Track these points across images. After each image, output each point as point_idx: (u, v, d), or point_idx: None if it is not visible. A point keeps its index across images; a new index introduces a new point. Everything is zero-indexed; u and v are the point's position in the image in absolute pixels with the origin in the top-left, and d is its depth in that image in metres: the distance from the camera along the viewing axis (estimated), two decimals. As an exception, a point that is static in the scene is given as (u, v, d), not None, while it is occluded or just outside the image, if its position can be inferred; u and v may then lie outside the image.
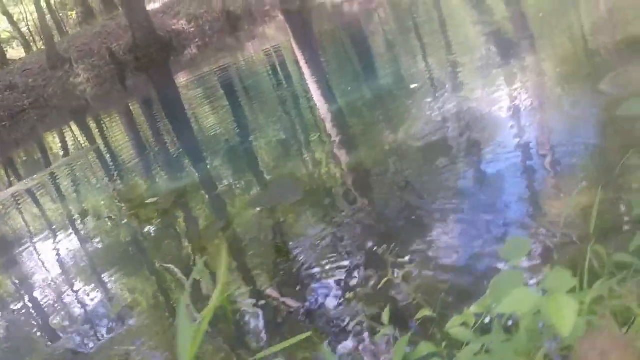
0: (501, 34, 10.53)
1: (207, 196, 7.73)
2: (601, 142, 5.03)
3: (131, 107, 18.52)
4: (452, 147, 6.08)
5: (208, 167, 8.88)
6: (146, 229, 7.24)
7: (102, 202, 9.06)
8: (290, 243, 5.27)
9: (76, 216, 8.91)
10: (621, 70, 6.28)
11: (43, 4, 31.79)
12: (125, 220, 7.75)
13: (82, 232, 8.03)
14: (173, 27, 26.46)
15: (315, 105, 10.17)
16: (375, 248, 4.59)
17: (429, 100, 7.89)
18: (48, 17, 33.08)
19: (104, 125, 17.05)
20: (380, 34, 15.60)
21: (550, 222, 4.03)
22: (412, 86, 8.68)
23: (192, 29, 26.21)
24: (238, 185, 7.73)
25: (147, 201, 8.05)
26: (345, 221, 5.22)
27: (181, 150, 10.80)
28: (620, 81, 6.04)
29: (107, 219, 8.22)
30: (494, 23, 11.49)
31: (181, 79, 19.69)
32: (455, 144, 6.15)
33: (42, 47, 30.85)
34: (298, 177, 6.96)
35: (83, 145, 14.76)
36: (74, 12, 38.11)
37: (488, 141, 5.83)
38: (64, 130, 18.71)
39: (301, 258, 4.88)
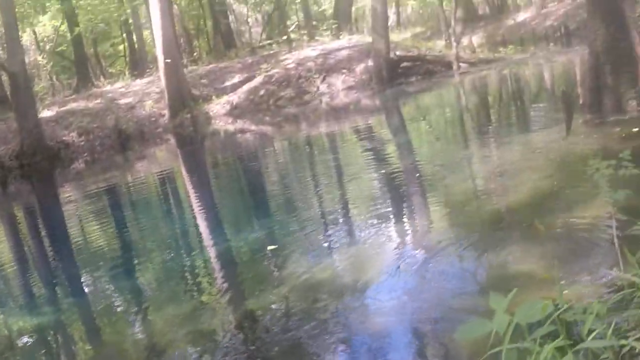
0: (389, 186, 11.01)
1: (34, 353, 7.47)
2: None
3: (7, 218, 18.03)
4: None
5: (61, 303, 8.68)
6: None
7: None
8: None
9: None
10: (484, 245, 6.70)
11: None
12: None
13: None
14: (63, 138, 26.19)
15: (201, 243, 10.23)
16: None
17: (303, 253, 8.14)
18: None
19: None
20: (273, 169, 15.92)
21: None
22: (270, 249, 8.62)
23: (82, 143, 26.01)
24: (78, 339, 7.58)
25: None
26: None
27: (46, 275, 10.47)
28: (484, 261, 6.40)
29: None
30: (384, 174, 11.95)
31: (66, 192, 19.39)
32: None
33: None
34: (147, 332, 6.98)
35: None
36: (-29, 109, 37.26)
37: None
38: None
39: None
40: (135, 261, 10.13)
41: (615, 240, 4.70)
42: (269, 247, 8.52)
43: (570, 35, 33.73)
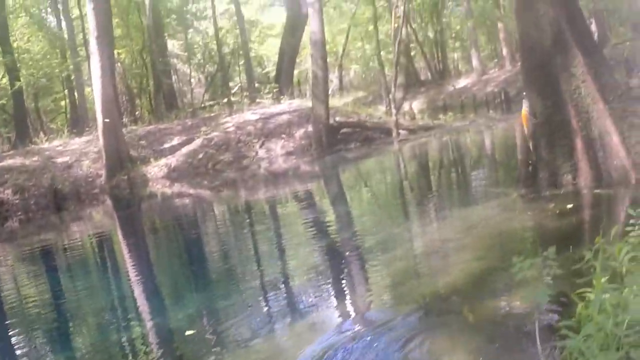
0: (322, 261, 11.07)
1: None
2: None
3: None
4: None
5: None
6: None
7: None
8: None
9: None
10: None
11: None
12: None
13: None
14: (-2, 195, 25.81)
15: (137, 316, 10.03)
16: None
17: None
18: None
19: None
20: (211, 237, 15.78)
21: None
22: (189, 333, 8.65)
23: (17, 201, 25.61)
24: None
25: None
26: None
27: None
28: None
29: None
30: (319, 249, 11.99)
31: (-2, 253, 18.99)
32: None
33: None
34: None
35: None
36: None
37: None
38: None
39: None
40: (66, 332, 9.87)
41: (539, 346, 4.72)
42: (187, 332, 8.33)
43: (510, 101, 34.59)
